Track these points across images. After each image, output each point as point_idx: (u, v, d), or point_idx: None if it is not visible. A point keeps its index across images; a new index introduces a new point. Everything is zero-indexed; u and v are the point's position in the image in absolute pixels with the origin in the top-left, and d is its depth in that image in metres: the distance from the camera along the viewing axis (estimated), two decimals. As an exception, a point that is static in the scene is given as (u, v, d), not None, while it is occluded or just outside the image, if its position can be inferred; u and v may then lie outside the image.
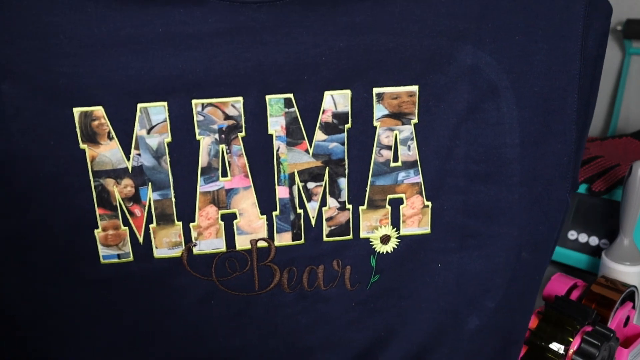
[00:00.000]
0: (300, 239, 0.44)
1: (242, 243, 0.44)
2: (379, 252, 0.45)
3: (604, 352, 0.55)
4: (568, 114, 0.44)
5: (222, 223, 0.43)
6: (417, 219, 0.45)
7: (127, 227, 0.42)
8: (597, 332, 0.55)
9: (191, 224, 0.42)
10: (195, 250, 0.43)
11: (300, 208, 0.43)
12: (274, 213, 0.43)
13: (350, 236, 0.45)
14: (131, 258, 0.42)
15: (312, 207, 0.44)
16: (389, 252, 0.46)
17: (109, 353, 0.45)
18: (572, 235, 0.77)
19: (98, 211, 0.41)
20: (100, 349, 0.45)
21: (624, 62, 1.06)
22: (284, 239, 0.44)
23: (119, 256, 0.42)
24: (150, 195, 0.41)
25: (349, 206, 0.44)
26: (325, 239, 0.45)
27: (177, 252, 0.43)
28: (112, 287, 0.43)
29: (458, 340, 0.48)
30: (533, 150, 0.44)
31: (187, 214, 0.42)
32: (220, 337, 0.46)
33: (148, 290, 0.44)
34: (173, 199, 0.41)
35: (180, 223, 0.42)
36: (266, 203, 0.43)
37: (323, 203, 0.44)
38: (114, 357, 0.45)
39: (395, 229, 0.45)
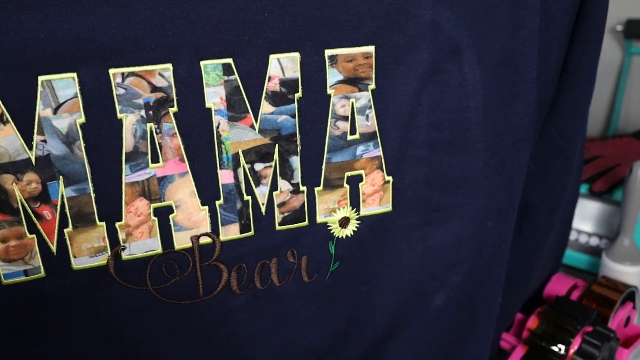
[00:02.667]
0: (250, 231, 0.38)
1: (181, 241, 0.37)
2: (338, 237, 0.40)
3: (604, 353, 0.54)
4: (529, 72, 0.41)
5: (156, 219, 0.36)
6: (377, 196, 0.40)
7: (34, 235, 0.33)
8: (598, 332, 0.54)
9: (117, 224, 0.35)
10: (125, 255, 0.36)
11: (247, 194, 0.37)
12: (218, 202, 0.37)
13: (306, 222, 0.39)
14: (42, 274, 0.34)
15: (262, 193, 0.38)
16: (349, 235, 0.40)
17: None
18: (572, 235, 0.76)
19: None
20: None
21: (624, 62, 1.06)
22: (230, 232, 0.38)
23: (25, 273, 0.34)
24: (63, 191, 0.33)
25: (303, 188, 0.38)
26: (277, 227, 0.39)
27: (101, 260, 0.35)
28: (20, 314, 0.34)
29: (426, 319, 0.45)
30: (496, 113, 0.41)
31: (111, 212, 0.34)
32: (165, 357, 0.39)
33: (68, 312, 0.35)
34: (92, 195, 0.34)
35: (103, 224, 0.34)
36: (207, 191, 0.36)
37: (274, 187, 0.38)
38: None
39: (354, 209, 0.40)
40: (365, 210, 0.40)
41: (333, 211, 0.40)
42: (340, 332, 0.43)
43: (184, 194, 0.36)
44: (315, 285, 0.41)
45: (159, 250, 0.36)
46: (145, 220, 0.35)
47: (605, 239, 0.75)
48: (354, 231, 0.41)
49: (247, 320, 0.40)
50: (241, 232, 0.38)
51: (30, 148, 0.32)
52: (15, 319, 0.35)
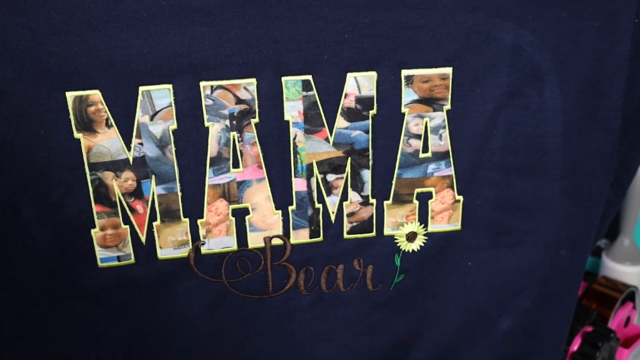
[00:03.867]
0: (319, 237, 0.40)
1: (254, 241, 0.40)
2: (404, 250, 0.41)
3: (604, 353, 0.54)
4: (614, 100, 0.40)
5: (233, 219, 0.39)
6: (447, 214, 0.41)
7: (127, 226, 0.38)
8: (598, 332, 0.55)
9: (199, 221, 0.38)
10: (204, 250, 0.39)
11: (319, 202, 0.39)
12: (290, 208, 0.39)
13: (374, 233, 0.41)
14: (132, 260, 0.38)
15: (332, 202, 0.40)
16: (415, 250, 0.41)
17: None
18: None
19: (95, 208, 0.37)
20: None
21: None
22: (300, 236, 0.40)
23: (118, 258, 0.38)
24: (154, 189, 0.37)
25: (373, 201, 0.40)
26: (345, 236, 0.41)
27: (183, 252, 0.39)
28: (111, 294, 0.39)
29: (489, 342, 0.45)
30: (576, 140, 0.40)
31: (194, 210, 0.38)
32: (230, 348, 0.42)
33: (151, 296, 0.40)
34: (179, 193, 0.37)
35: (187, 220, 0.38)
36: (281, 197, 0.39)
37: (344, 197, 0.40)
38: None
39: (422, 225, 0.41)
40: (433, 227, 0.41)
41: (401, 225, 0.41)
42: (401, 344, 0.44)
43: (260, 198, 0.39)
44: (379, 295, 0.42)
45: (234, 247, 0.39)
46: (224, 220, 0.39)
47: (605, 239, 0.74)
48: (420, 246, 0.41)
49: (310, 320, 0.42)
50: (310, 237, 0.40)
51: (129, 149, 0.36)
52: (105, 301, 0.39)
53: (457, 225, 0.41)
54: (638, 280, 0.66)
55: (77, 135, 0.35)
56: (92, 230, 0.37)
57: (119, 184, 0.36)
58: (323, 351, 0.43)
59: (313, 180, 0.39)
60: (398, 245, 0.41)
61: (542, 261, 0.43)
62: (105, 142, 0.35)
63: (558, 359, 0.49)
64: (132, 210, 0.37)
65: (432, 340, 0.44)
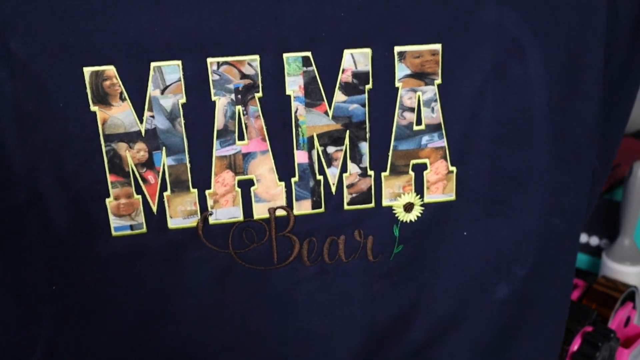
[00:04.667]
0: (320, 207, 0.42)
1: (259, 211, 0.42)
2: (402, 221, 0.43)
3: (604, 353, 0.54)
4: (594, 72, 0.42)
5: (239, 190, 0.41)
6: (441, 185, 0.43)
7: (140, 196, 0.40)
8: (598, 332, 0.55)
9: (207, 192, 0.40)
10: (212, 220, 0.41)
11: (320, 174, 0.42)
12: (293, 179, 0.41)
13: (372, 204, 0.43)
14: (144, 229, 0.40)
15: (332, 174, 0.42)
16: (413, 221, 0.44)
17: (118, 337, 0.43)
18: None
19: (110, 178, 0.39)
20: (109, 332, 0.42)
21: None
22: (303, 207, 0.42)
23: (131, 227, 0.40)
24: (165, 160, 0.39)
25: (371, 172, 0.42)
26: (346, 207, 0.43)
27: (192, 222, 0.41)
28: (124, 263, 0.41)
29: (486, 312, 0.46)
30: (561, 111, 0.43)
31: (202, 181, 0.40)
32: (237, 319, 0.44)
33: (162, 266, 0.41)
34: (188, 164, 0.40)
35: (195, 190, 0.40)
36: (284, 168, 0.41)
37: (344, 169, 0.42)
38: (123, 341, 0.43)
39: (419, 196, 0.43)
40: (429, 197, 0.43)
41: (398, 196, 0.43)
42: (402, 316, 0.46)
43: (264, 170, 0.41)
44: (380, 266, 0.44)
45: (241, 218, 0.42)
46: (230, 190, 0.41)
47: (605, 239, 0.75)
48: (417, 217, 0.44)
49: (314, 291, 0.44)
50: (313, 208, 0.42)
51: (141, 122, 0.38)
52: (118, 269, 0.41)
53: (451, 196, 0.44)
54: (638, 280, 0.67)
55: (93, 108, 0.37)
56: (107, 200, 0.39)
57: (132, 154, 0.39)
58: (326, 323, 0.45)
59: (314, 153, 0.41)
60: (396, 216, 0.43)
61: (535, 230, 0.45)
62: (119, 114, 0.38)
63: (556, 333, 0.50)
64: (144, 180, 0.40)
65: (432, 311, 0.46)
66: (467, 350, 0.47)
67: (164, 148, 0.39)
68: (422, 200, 0.43)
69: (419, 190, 0.43)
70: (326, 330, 0.45)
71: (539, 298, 0.47)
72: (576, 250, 0.48)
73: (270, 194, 0.41)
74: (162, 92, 0.38)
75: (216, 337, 0.44)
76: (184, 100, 0.38)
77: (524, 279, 0.46)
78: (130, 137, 0.38)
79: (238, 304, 0.43)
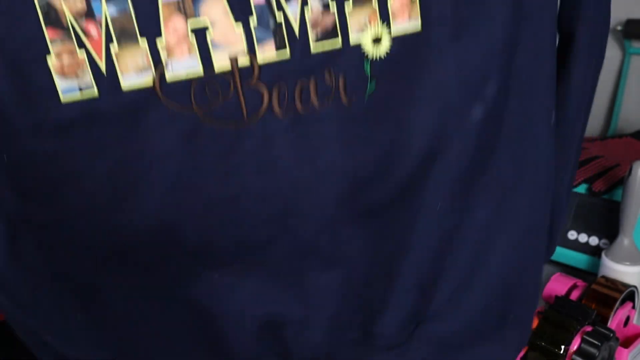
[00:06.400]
0: (285, 48, 0.38)
1: (220, 60, 0.37)
2: (373, 58, 0.40)
3: (604, 352, 0.55)
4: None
5: (194, 36, 0.37)
6: (406, 10, 0.40)
7: (83, 50, 0.35)
8: (597, 332, 0.56)
9: (157, 40, 0.36)
10: (169, 76, 0.37)
11: (279, 10, 0.38)
12: (251, 20, 0.37)
13: (339, 41, 0.39)
14: (95, 92, 0.36)
15: (293, 11, 0.38)
16: (382, 57, 0.40)
17: (83, 215, 0.39)
18: (572, 235, 0.78)
19: (48, 33, 0.35)
20: (73, 210, 0.39)
21: (624, 62, 1.09)
22: (267, 51, 0.38)
23: (80, 89, 0.36)
24: (105, 9, 0.35)
25: (332, 5, 0.38)
26: (312, 48, 0.39)
27: (147, 79, 0.36)
28: (79, 133, 0.37)
29: (466, 136, 0.44)
30: None
31: (151, 30, 0.36)
32: (211, 184, 0.39)
33: (121, 132, 0.37)
34: (132, 12, 0.35)
35: (144, 39, 0.36)
36: (239, 7, 0.37)
37: (304, 2, 0.38)
38: (90, 219, 0.39)
39: (385, 23, 0.40)
40: (396, 27, 0.40)
41: (364, 26, 0.39)
42: (384, 156, 0.42)
43: (217, 12, 0.37)
44: (355, 107, 0.41)
45: (200, 71, 0.37)
46: (184, 39, 0.36)
47: (605, 239, 0.76)
48: (387, 53, 0.40)
49: (291, 143, 0.40)
50: (277, 49, 0.38)
51: (73, -33, 0.34)
52: (75, 140, 0.36)
53: (417, 21, 0.40)
54: (637, 280, 0.67)
55: None
56: (47, 57, 0.35)
57: (68, 6, 0.35)
58: (307, 175, 0.41)
59: None
60: (365, 53, 0.40)
61: (501, 45, 0.43)
62: (48, -39, 0.34)
63: (539, 157, 0.48)
64: (86, 33, 0.35)
65: (414, 147, 0.43)
66: (449, 180, 0.45)
67: (102, -5, 0.34)
68: (389, 31, 0.40)
69: (385, 18, 0.40)
70: (308, 181, 0.41)
71: (508, 120, 0.45)
72: (550, 60, 0.47)
73: (227, 38, 0.37)
74: None
75: (192, 205, 0.39)
76: None
77: (495, 96, 0.44)
78: None
79: (211, 167, 0.39)
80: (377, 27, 0.39)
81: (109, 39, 0.35)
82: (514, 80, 0.45)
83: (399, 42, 0.40)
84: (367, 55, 0.40)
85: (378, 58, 0.40)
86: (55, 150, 0.37)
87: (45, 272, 0.43)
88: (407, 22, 0.40)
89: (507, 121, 0.46)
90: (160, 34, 0.36)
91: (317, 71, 0.39)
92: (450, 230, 0.47)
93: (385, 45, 0.40)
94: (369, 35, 0.40)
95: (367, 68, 0.40)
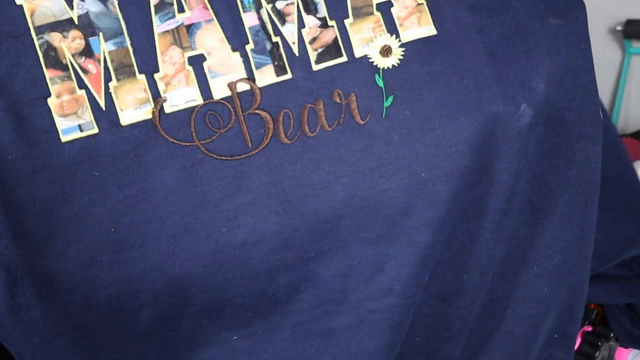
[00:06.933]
0: (286, 72, 0.37)
1: (219, 89, 0.37)
2: (383, 68, 0.38)
3: (603, 352, 0.55)
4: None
5: (191, 67, 0.37)
6: (415, 18, 0.38)
7: (83, 90, 0.36)
8: (597, 332, 0.56)
9: (156, 75, 0.36)
10: (167, 108, 0.36)
11: (275, 35, 0.37)
12: (247, 47, 0.37)
13: (344, 57, 0.38)
14: (95, 129, 0.36)
15: (290, 31, 0.38)
16: (396, 65, 0.38)
17: (87, 257, 0.36)
18: None
19: (47, 74, 0.36)
20: (77, 252, 0.36)
21: (624, 62, 1.08)
22: (266, 75, 0.37)
23: (80, 128, 0.36)
24: (103, 46, 0.36)
25: (332, 22, 0.38)
26: (315, 67, 0.37)
27: (146, 112, 0.36)
28: (80, 172, 0.36)
29: (517, 139, 0.39)
30: None
31: (149, 63, 0.36)
32: (221, 223, 0.36)
33: (122, 169, 0.36)
34: (130, 47, 0.36)
35: (143, 76, 0.36)
36: (235, 35, 0.37)
37: (300, 24, 0.38)
38: (95, 262, 0.36)
39: (394, 36, 0.38)
40: (406, 35, 0.38)
41: (370, 40, 0.38)
42: (413, 173, 0.38)
43: (213, 41, 0.37)
44: (373, 126, 0.37)
45: (199, 100, 0.37)
46: (181, 69, 0.37)
47: None
48: (399, 60, 0.38)
49: (301, 172, 0.37)
50: (277, 75, 0.37)
51: (72, 8, 0.36)
52: (76, 179, 0.36)
53: (431, 29, 0.38)
54: None
55: (18, 1, 0.36)
56: (48, 100, 0.35)
57: (67, 45, 0.36)
58: (324, 206, 0.37)
59: (263, 12, 0.38)
60: (374, 64, 0.38)
61: (527, 27, 0.39)
62: (46, 2, 0.36)
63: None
64: (85, 71, 0.36)
65: (450, 164, 0.38)
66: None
67: (100, 33, 0.36)
68: (400, 40, 0.38)
69: (392, 30, 0.38)
70: (327, 213, 0.37)
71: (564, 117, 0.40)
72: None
73: (225, 66, 0.37)
74: (89, -26, 0.37)
75: (199, 253, 0.36)
76: None
77: (544, 93, 0.39)
78: (63, 26, 0.36)
79: (219, 205, 0.37)
80: (384, 37, 0.38)
81: (107, 77, 0.36)
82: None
83: (412, 48, 0.38)
84: (377, 67, 0.37)
85: (390, 67, 0.38)
86: (55, 194, 0.36)
87: (47, 327, 0.38)
88: (418, 29, 0.38)
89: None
90: (157, 67, 0.36)
91: (323, 92, 0.37)
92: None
93: (396, 55, 0.38)
94: (377, 45, 0.38)
95: (380, 81, 0.37)
